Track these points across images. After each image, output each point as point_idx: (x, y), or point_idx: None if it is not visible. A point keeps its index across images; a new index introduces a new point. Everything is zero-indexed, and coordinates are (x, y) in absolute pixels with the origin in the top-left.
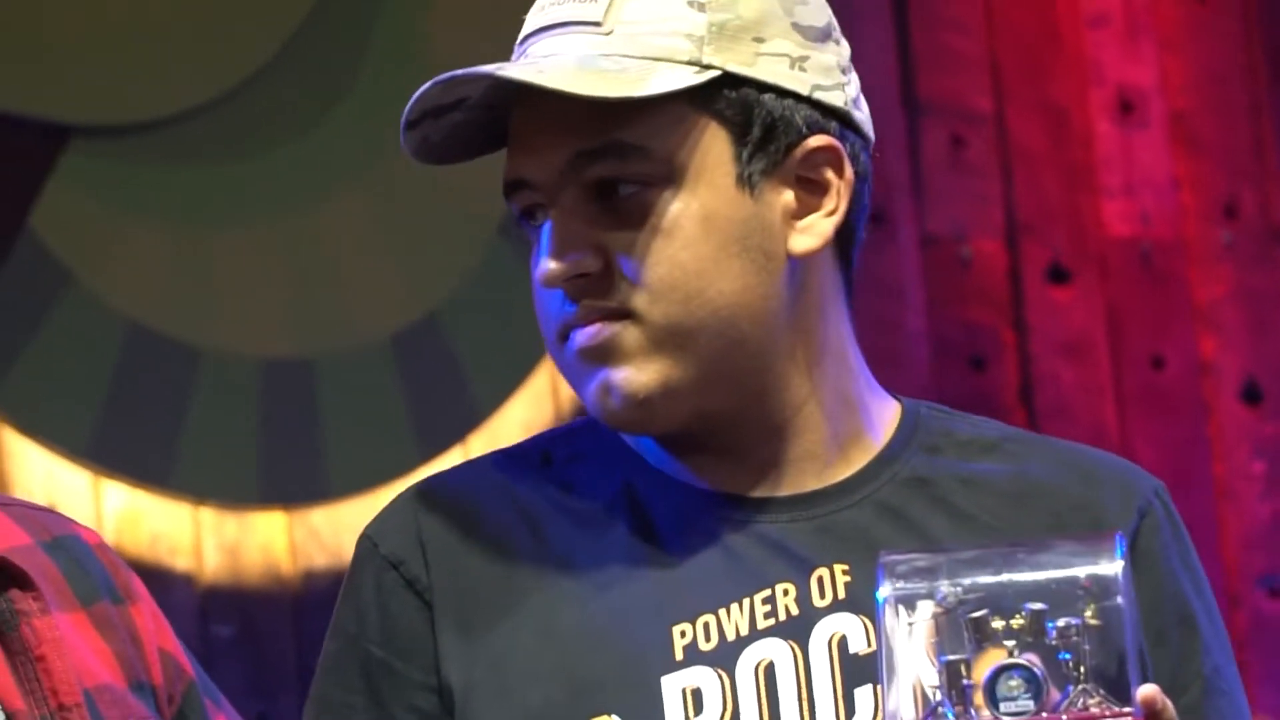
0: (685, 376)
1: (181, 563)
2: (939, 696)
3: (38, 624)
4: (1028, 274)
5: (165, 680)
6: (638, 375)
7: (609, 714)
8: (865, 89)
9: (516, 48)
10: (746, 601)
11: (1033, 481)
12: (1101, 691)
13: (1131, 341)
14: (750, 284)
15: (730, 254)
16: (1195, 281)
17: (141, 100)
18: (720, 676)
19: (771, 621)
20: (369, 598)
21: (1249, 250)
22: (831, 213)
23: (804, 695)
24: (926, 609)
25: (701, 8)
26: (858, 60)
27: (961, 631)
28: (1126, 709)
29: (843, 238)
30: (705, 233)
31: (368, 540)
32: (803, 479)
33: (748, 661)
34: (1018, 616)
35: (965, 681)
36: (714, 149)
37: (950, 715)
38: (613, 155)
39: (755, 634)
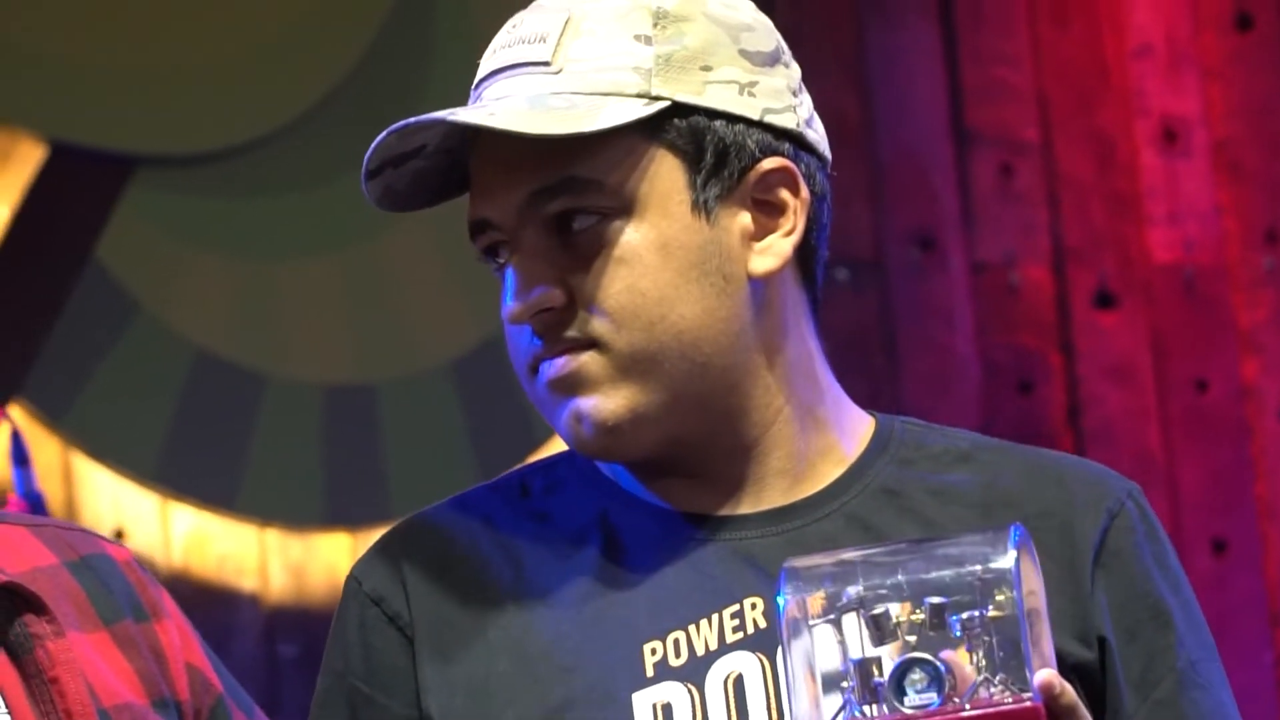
0: (653, 402)
1: (248, 583)
2: (846, 696)
3: (51, 646)
4: (1075, 300)
5: (192, 695)
6: (606, 403)
7: None
8: (916, 121)
9: (471, 92)
10: (715, 617)
11: (1003, 490)
12: (1006, 681)
13: (1175, 365)
14: (711, 307)
15: (690, 279)
16: (1237, 306)
17: (205, 132)
18: (690, 691)
19: (740, 635)
20: (353, 635)
21: None
22: (789, 232)
23: (773, 706)
24: (833, 610)
25: (648, 41)
26: (909, 94)
27: (866, 628)
28: (1026, 695)
29: (804, 256)
30: (664, 260)
31: (353, 579)
32: (772, 495)
33: (717, 675)
34: (918, 612)
35: (875, 680)
36: (668, 177)
37: (858, 713)
38: (568, 191)
39: (724, 648)
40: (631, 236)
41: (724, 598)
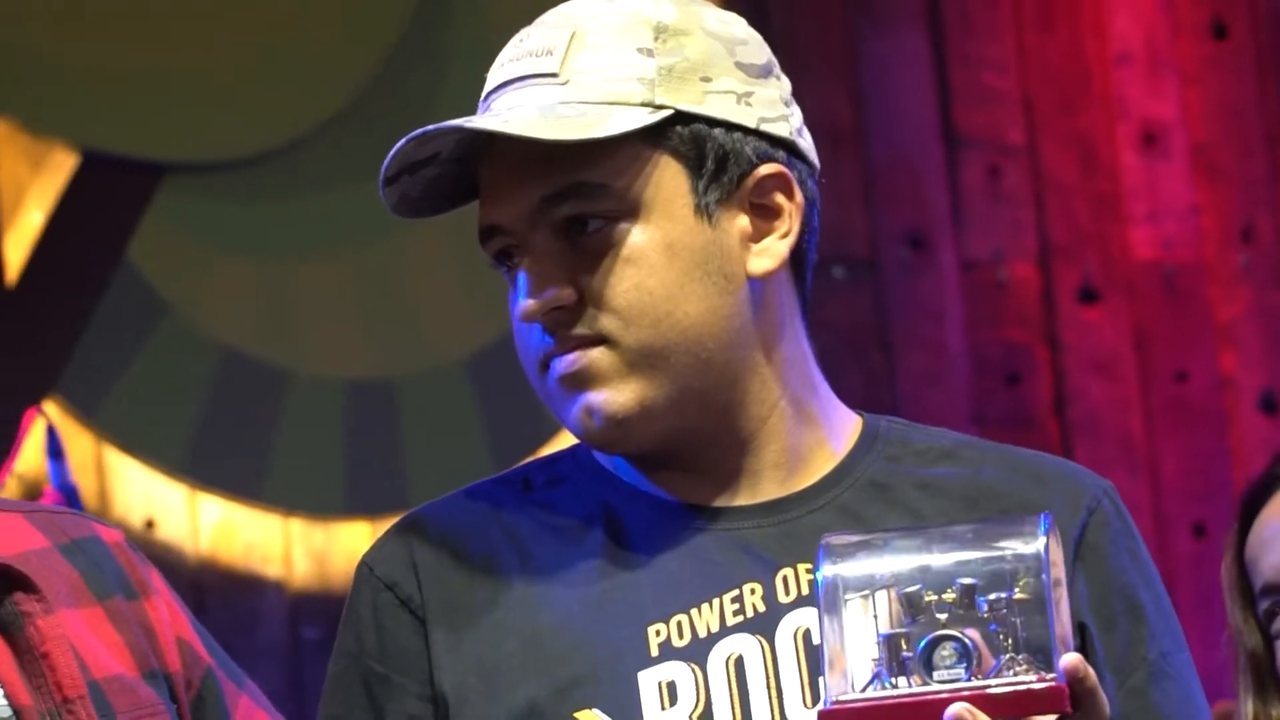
0: (659, 395)
1: (273, 570)
2: (879, 667)
3: (41, 624)
4: (1060, 295)
5: (183, 667)
6: (616, 396)
7: (591, 708)
8: (906, 125)
9: (481, 104)
10: (716, 601)
11: (985, 485)
12: (1030, 660)
13: (1157, 358)
14: (714, 304)
15: (693, 278)
16: (1216, 301)
17: (230, 141)
18: (693, 670)
19: (740, 618)
20: (367, 618)
21: (1265, 272)
22: (785, 234)
23: (772, 685)
24: (866, 586)
25: (650, 53)
26: (900, 98)
27: (898, 607)
28: (1051, 676)
29: (796, 258)
30: (669, 260)
31: (365, 566)
32: (768, 487)
33: (719, 656)
34: (949, 591)
35: (904, 654)
36: (671, 182)
37: (889, 684)
38: (577, 195)
39: (725, 630)
40: (638, 238)
41: (724, 583)
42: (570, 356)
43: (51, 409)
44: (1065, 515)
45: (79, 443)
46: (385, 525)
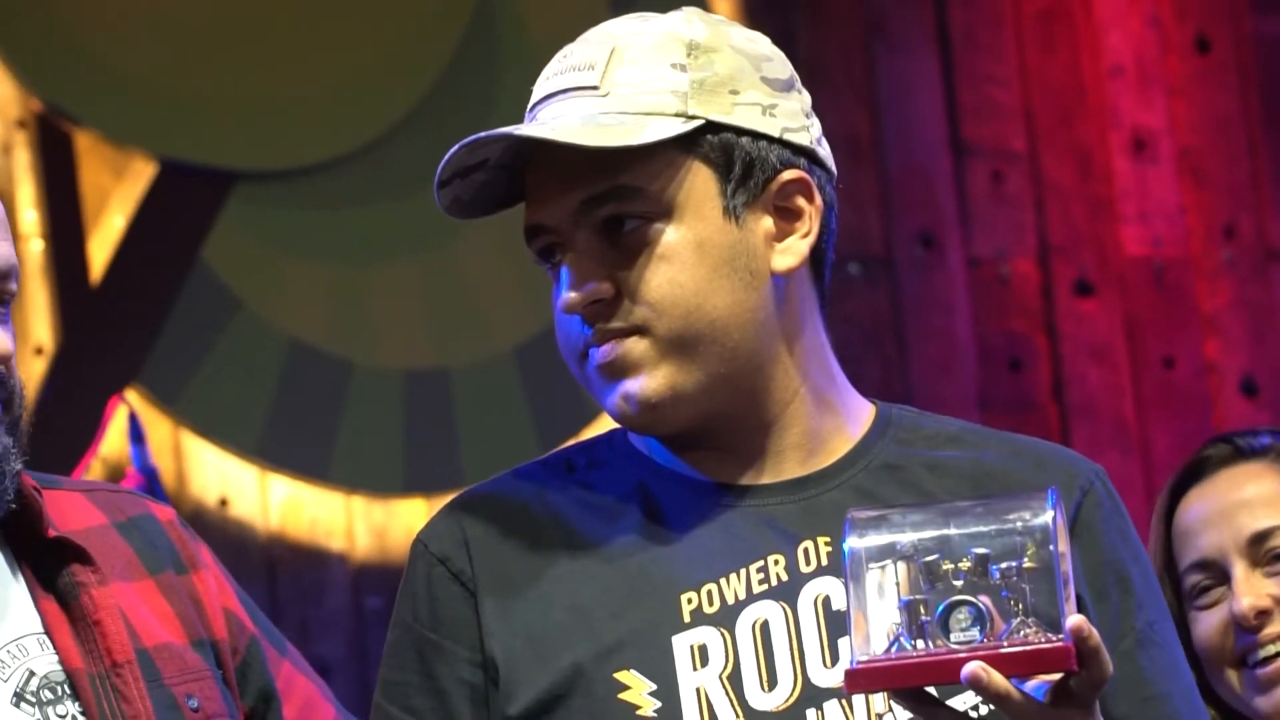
0: (690, 381)
1: (336, 544)
2: (900, 631)
3: (95, 594)
4: (1058, 289)
5: (229, 635)
6: (650, 382)
7: (630, 669)
8: (919, 135)
9: (527, 114)
10: (743, 571)
11: (989, 467)
12: (1038, 623)
13: (1147, 346)
14: (740, 299)
15: (722, 274)
16: (1201, 294)
17: (297, 150)
18: (723, 634)
19: (765, 586)
20: (421, 590)
21: (1246, 267)
22: (806, 235)
23: (795, 647)
24: (887, 557)
25: (683, 68)
26: (913, 112)
27: (918, 575)
28: (1058, 637)
29: (815, 257)
30: (699, 257)
31: (420, 543)
32: (790, 467)
33: (746, 621)
34: (965, 560)
35: (923, 619)
36: (702, 186)
37: (909, 645)
38: (616, 197)
39: (751, 597)
40: (671, 237)
41: (750, 555)
42: (608, 346)
43: (133, 397)
44: (1062, 496)
45: (158, 428)
46: (440, 503)
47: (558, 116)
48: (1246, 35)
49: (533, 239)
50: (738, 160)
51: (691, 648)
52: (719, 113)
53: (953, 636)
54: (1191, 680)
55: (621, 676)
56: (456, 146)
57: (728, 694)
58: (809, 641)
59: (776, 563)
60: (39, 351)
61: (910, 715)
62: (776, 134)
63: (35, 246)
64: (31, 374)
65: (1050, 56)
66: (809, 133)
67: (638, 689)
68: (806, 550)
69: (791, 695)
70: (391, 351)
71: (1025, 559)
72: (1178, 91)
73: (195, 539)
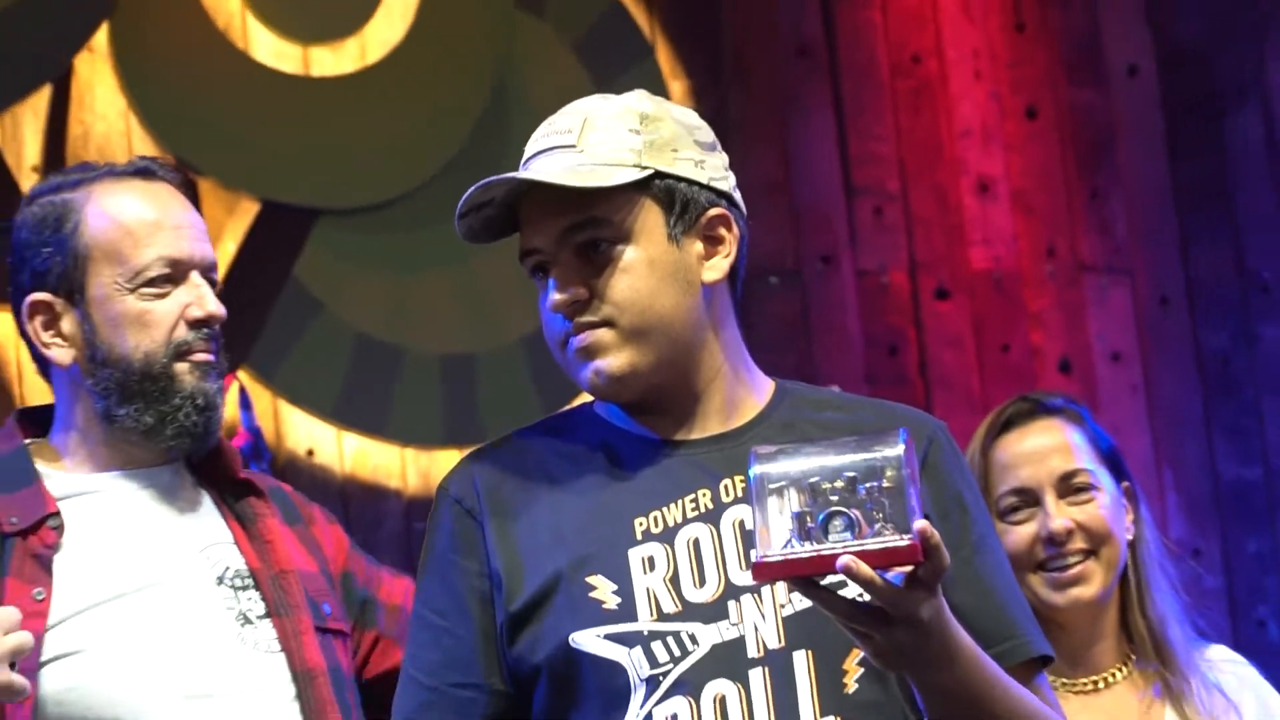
0: (644, 360)
1: (393, 484)
2: (792, 535)
3: (269, 522)
4: (923, 294)
5: (335, 569)
6: (615, 361)
7: (597, 574)
8: (820, 180)
9: (522, 165)
10: (679, 502)
11: (860, 424)
12: (894, 528)
13: (988, 336)
14: (680, 301)
15: (666, 283)
16: (1029, 298)
17: (363, 191)
18: (665, 548)
19: (696, 513)
20: (444, 523)
21: (1063, 278)
22: (727, 255)
23: (719, 557)
24: (781, 481)
25: (637, 133)
26: (816, 160)
27: (804, 494)
28: (908, 537)
29: (732, 273)
30: (650, 271)
31: (442, 488)
32: (713, 426)
33: (682, 538)
34: (839, 482)
35: (809, 526)
36: (652, 218)
37: (799, 545)
38: (590, 226)
39: (685, 521)
40: (630, 256)
41: (685, 490)
42: (583, 335)
43: (243, 375)
44: (915, 443)
45: (261, 398)
46: (467, 450)
47: (546, 166)
48: (1065, 105)
49: (526, 258)
50: (678, 200)
51: (642, 558)
52: (664, 165)
53: (830, 539)
54: (1013, 577)
55: (591, 580)
56: (474, 187)
57: (669, 590)
58: (729, 552)
59: (704, 495)
60: None
61: (808, 603)
62: (705, 181)
63: None
64: None
65: (917, 120)
66: (728, 182)
67: (603, 589)
68: (726, 486)
69: (717, 591)
70: (432, 341)
71: (884, 480)
72: (1012, 148)
73: (308, 503)
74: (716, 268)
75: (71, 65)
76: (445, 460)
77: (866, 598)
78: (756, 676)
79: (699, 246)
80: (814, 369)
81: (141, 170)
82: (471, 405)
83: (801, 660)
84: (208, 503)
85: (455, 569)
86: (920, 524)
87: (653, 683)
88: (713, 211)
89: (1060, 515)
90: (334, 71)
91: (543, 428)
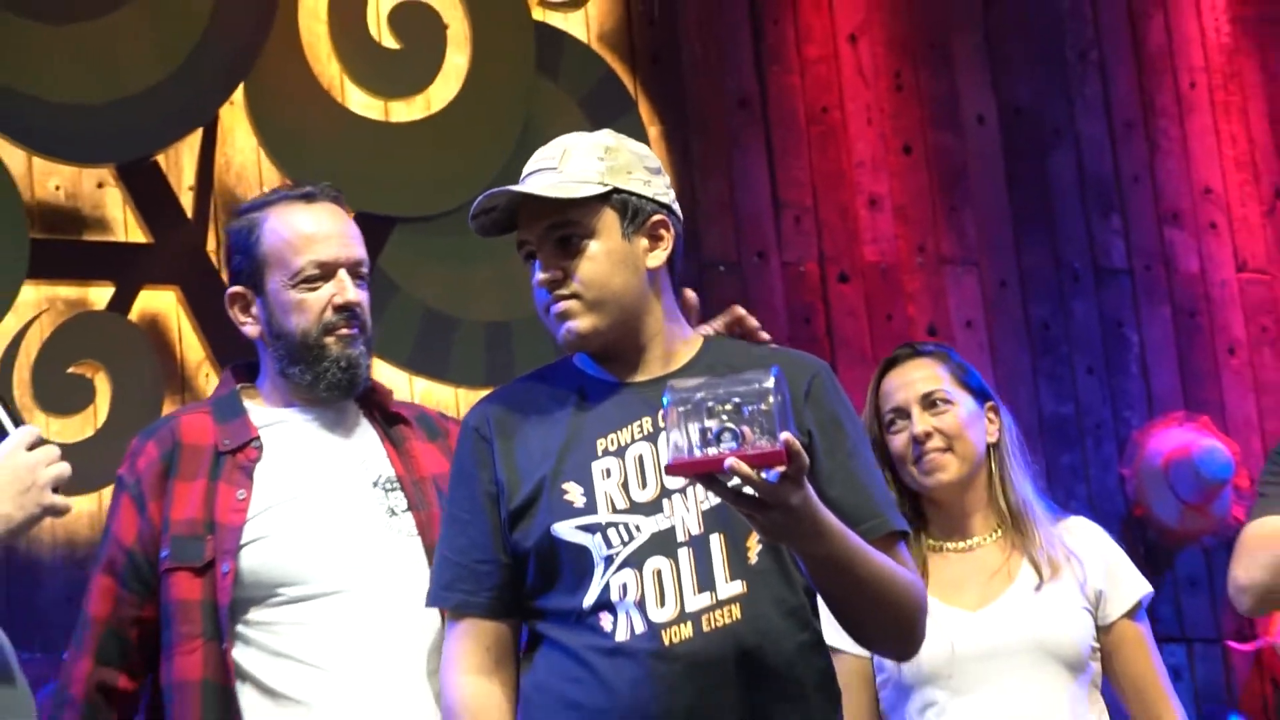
0: (602, 323)
1: (450, 414)
2: (695, 444)
3: (413, 442)
4: (830, 279)
5: None
6: (581, 324)
7: (570, 481)
8: (754, 198)
9: (521, 180)
10: (629, 426)
11: (760, 366)
12: (770, 440)
13: (877, 309)
14: (629, 282)
15: (620, 269)
16: (906, 282)
17: (427, 205)
18: (619, 462)
19: (641, 434)
20: (465, 448)
21: (930, 268)
22: (665, 249)
23: (657, 467)
24: (688, 404)
25: (602, 160)
26: (753, 183)
27: (704, 413)
28: (778, 445)
29: (671, 262)
30: (608, 259)
31: (465, 421)
32: (654, 370)
33: (631, 454)
34: (730, 405)
35: (709, 437)
36: (611, 221)
37: (699, 452)
38: (565, 225)
39: (633, 441)
40: (594, 248)
41: (633, 417)
42: (560, 304)
43: None
44: (802, 378)
45: None
46: None
47: (535, 182)
48: (931, 145)
49: (521, 247)
50: (630, 208)
51: (602, 470)
52: (620, 183)
53: (722, 446)
54: (879, 474)
55: (565, 486)
56: (482, 196)
57: (621, 493)
58: (664, 460)
59: (647, 421)
60: None
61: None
62: (651, 195)
63: None
64: None
65: (825, 155)
66: (668, 196)
67: (574, 493)
68: (663, 414)
69: (655, 493)
70: (478, 312)
71: (761, 405)
72: (894, 174)
73: (445, 418)
74: (657, 257)
75: (217, 114)
76: None
77: (750, 490)
78: (684, 554)
79: (645, 242)
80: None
81: (306, 194)
82: (508, 359)
83: (716, 541)
84: (368, 428)
85: (473, 479)
86: (785, 435)
87: (609, 560)
88: (655, 217)
89: (921, 423)
90: (406, 118)
91: (536, 375)
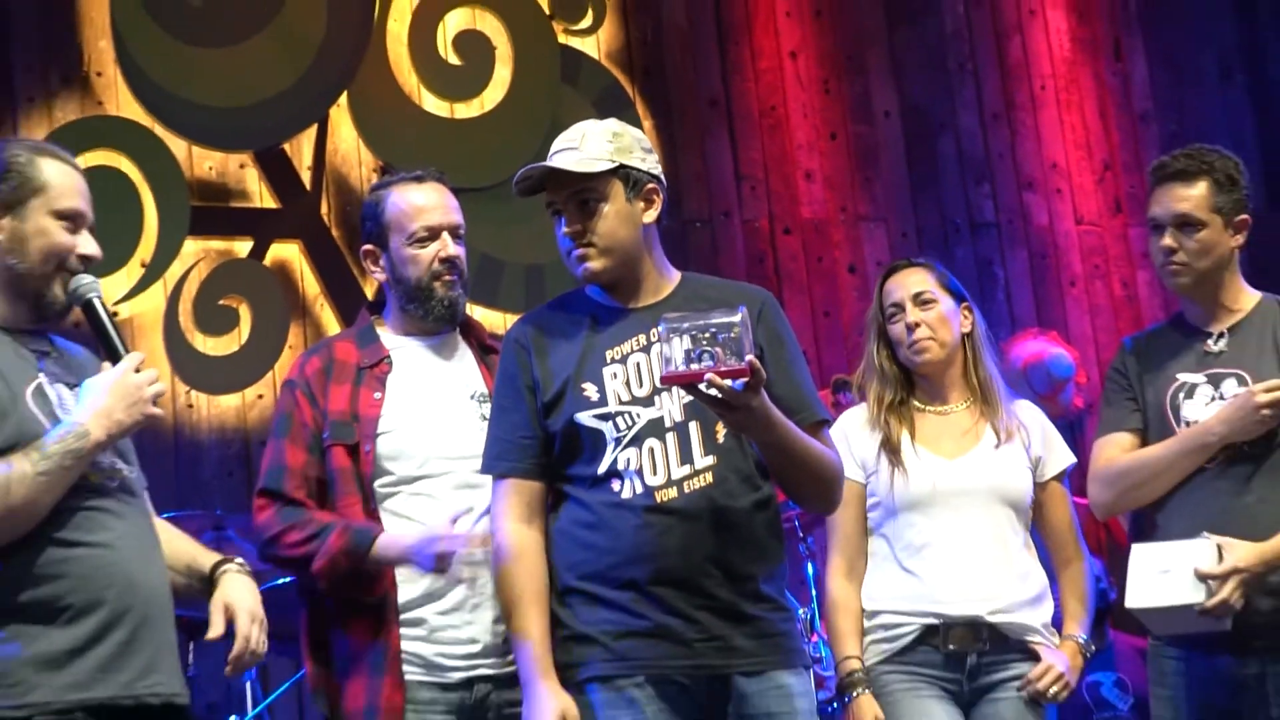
0: (610, 264)
1: (499, 331)
2: (680, 362)
3: (490, 359)
4: (777, 232)
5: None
6: (594, 265)
7: (587, 382)
8: (721, 173)
9: (549, 157)
10: (630, 341)
11: (725, 298)
12: (737, 360)
13: (812, 253)
14: (630, 234)
15: (624, 224)
16: (832, 234)
17: (482, 176)
18: (622, 367)
19: (639, 347)
20: (509, 356)
21: (850, 223)
22: (656, 208)
23: (651, 373)
24: (676, 333)
25: (610, 142)
26: (719, 163)
27: (688, 338)
28: (744, 363)
29: (659, 219)
30: (616, 217)
31: (508, 335)
32: (647, 298)
33: (631, 362)
34: (709, 333)
35: (691, 356)
36: (617, 188)
37: (683, 366)
38: (584, 191)
39: (633, 351)
40: (606, 208)
41: (633, 334)
42: (579, 250)
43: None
44: (754, 305)
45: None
46: None
47: (561, 159)
48: (852, 134)
49: (549, 206)
50: (632, 179)
51: (611, 373)
52: (625, 160)
53: (703, 363)
54: (809, 376)
55: (584, 385)
56: (522, 170)
57: (626, 389)
58: (655, 369)
59: (642, 337)
60: None
61: (694, 400)
62: (647, 170)
63: None
64: None
65: (773, 140)
66: (658, 170)
67: (590, 390)
68: (653, 333)
69: (649, 390)
70: (519, 255)
71: (731, 333)
72: (824, 155)
73: (497, 339)
74: (650, 215)
75: (328, 114)
76: None
77: (720, 395)
78: (670, 436)
79: (642, 204)
80: (718, 273)
81: (417, 177)
82: (541, 291)
83: (694, 427)
84: (467, 353)
85: (516, 377)
86: (749, 356)
87: (618, 441)
88: (649, 185)
89: (912, 315)
90: (466, 115)
91: (558, 302)
